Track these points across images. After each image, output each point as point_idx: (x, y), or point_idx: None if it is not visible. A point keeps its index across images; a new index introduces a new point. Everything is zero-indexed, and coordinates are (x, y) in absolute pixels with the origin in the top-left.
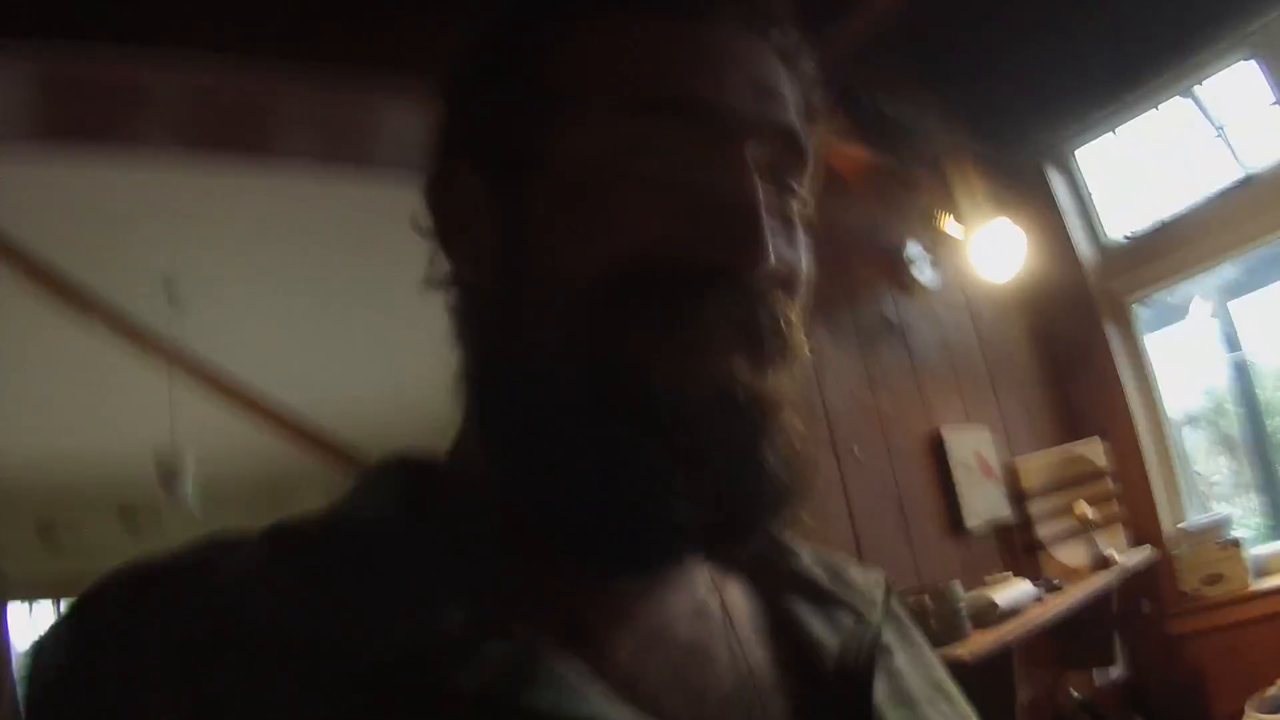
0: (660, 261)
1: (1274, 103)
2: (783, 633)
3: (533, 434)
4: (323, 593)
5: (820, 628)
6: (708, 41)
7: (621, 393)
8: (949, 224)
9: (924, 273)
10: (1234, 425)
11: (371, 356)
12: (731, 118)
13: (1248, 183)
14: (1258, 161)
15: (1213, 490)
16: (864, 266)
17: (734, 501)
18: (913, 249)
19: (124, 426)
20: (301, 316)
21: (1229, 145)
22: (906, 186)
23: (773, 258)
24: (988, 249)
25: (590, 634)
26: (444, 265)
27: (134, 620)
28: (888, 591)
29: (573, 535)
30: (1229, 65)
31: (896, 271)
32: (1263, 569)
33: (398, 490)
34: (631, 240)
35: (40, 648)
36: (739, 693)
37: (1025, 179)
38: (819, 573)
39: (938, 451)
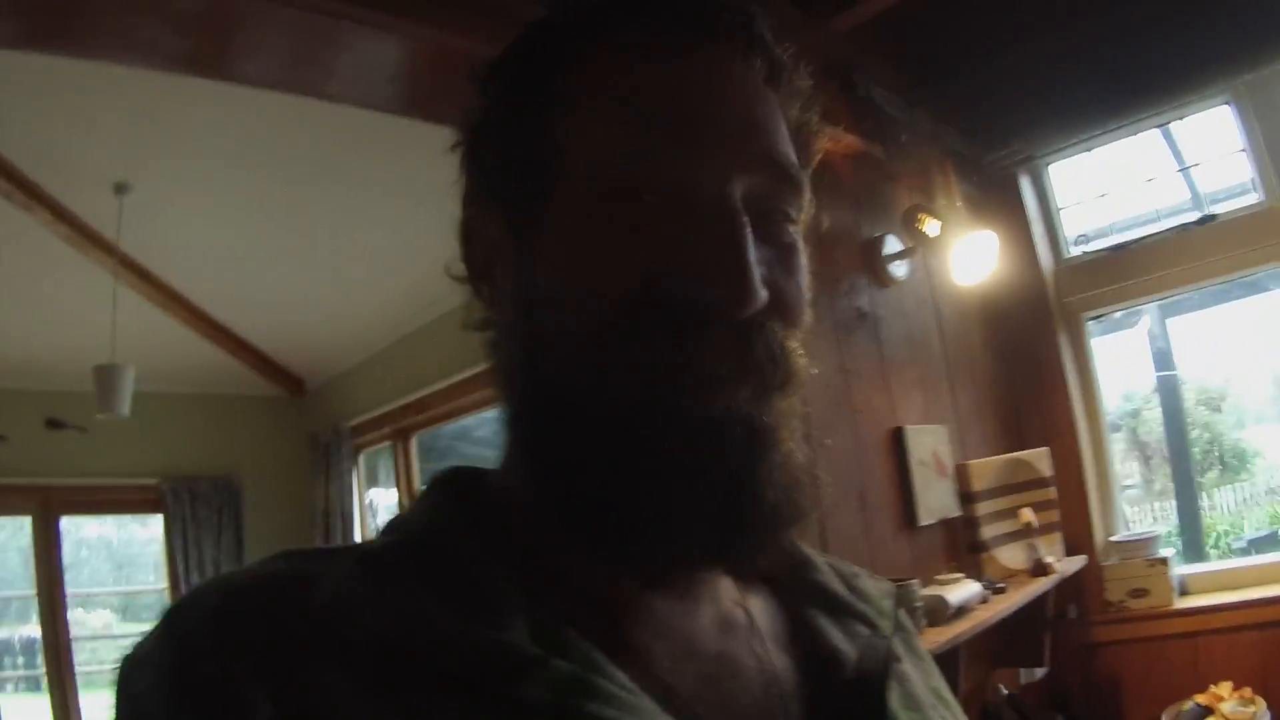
0: (654, 299)
1: (1241, 149)
2: (803, 641)
3: (553, 457)
4: (403, 606)
5: (838, 637)
6: (689, 84)
7: (624, 420)
8: (926, 220)
9: (899, 266)
10: (1150, 432)
11: (312, 278)
12: (717, 162)
13: (1208, 221)
14: (1220, 202)
15: (1124, 494)
16: (843, 255)
17: (732, 521)
18: (891, 242)
19: (61, 337)
20: (246, 232)
21: (1191, 183)
22: (890, 179)
23: (761, 296)
24: (961, 251)
25: (631, 646)
26: (478, 307)
27: (231, 631)
28: (897, 602)
29: (595, 547)
30: (1207, 107)
31: (874, 263)
32: (1185, 588)
33: (457, 508)
34: (625, 280)
35: (134, 660)
36: (765, 699)
37: (998, 185)
38: (836, 584)
39: (898, 447)
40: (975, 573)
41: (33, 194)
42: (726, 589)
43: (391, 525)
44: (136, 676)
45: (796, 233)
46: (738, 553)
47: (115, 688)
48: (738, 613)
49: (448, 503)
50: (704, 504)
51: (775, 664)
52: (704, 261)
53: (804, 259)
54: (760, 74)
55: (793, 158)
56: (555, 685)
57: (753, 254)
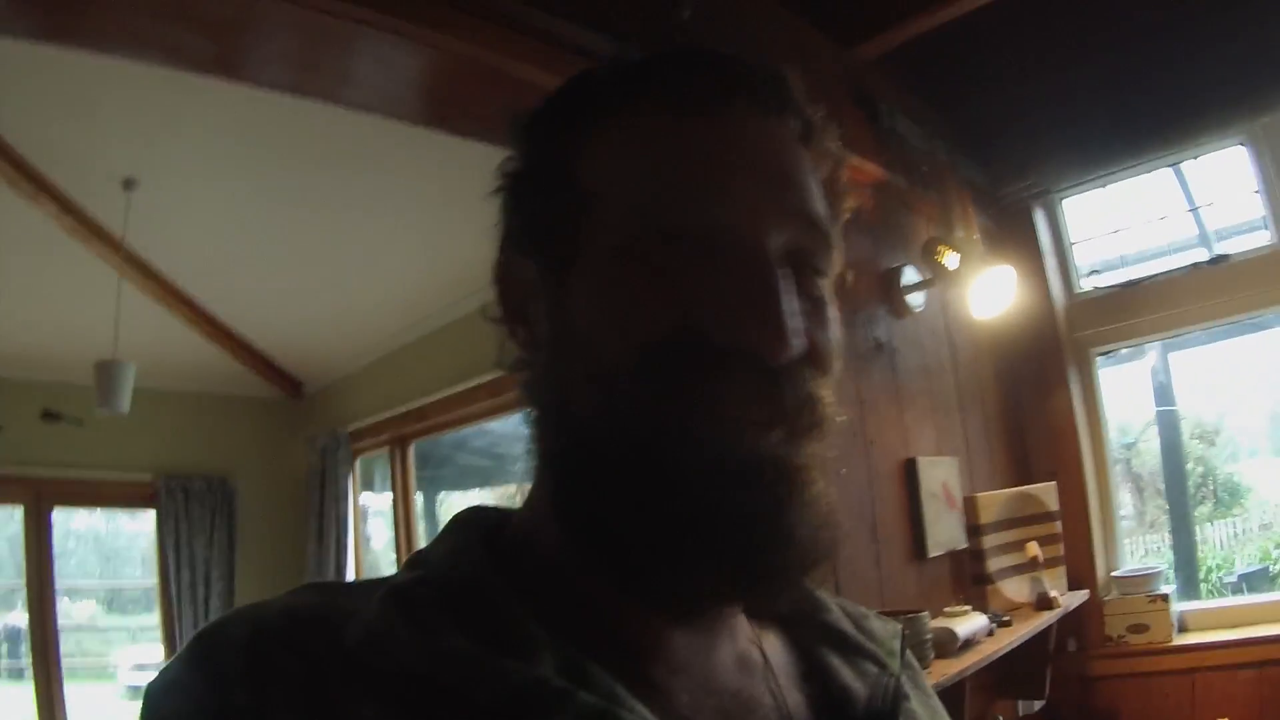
0: (690, 341)
1: (1255, 190)
2: (815, 680)
3: (586, 494)
4: (433, 641)
5: (848, 675)
6: (724, 137)
7: (659, 459)
8: (945, 252)
9: (916, 297)
10: (1144, 464)
11: (316, 282)
12: (752, 212)
13: (1220, 261)
14: (1230, 239)
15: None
16: (862, 285)
17: (764, 558)
18: (909, 272)
19: (62, 329)
20: (252, 233)
21: (1201, 223)
22: (910, 209)
23: (794, 345)
24: (980, 285)
25: (652, 682)
26: (512, 349)
27: (265, 662)
28: (904, 641)
29: (626, 583)
30: (1221, 147)
31: (891, 292)
32: (1184, 624)
33: (481, 547)
34: (661, 323)
35: (163, 685)
36: None
37: (1013, 217)
38: (846, 624)
39: (910, 478)
40: (981, 605)
41: (40, 186)
42: (742, 628)
43: (415, 561)
44: (165, 702)
45: (826, 287)
46: (768, 588)
47: (141, 713)
48: (754, 651)
49: (472, 542)
50: (736, 541)
51: (789, 702)
52: (740, 307)
53: (834, 312)
54: (794, 133)
55: (824, 214)
56: (583, 718)
57: (788, 303)
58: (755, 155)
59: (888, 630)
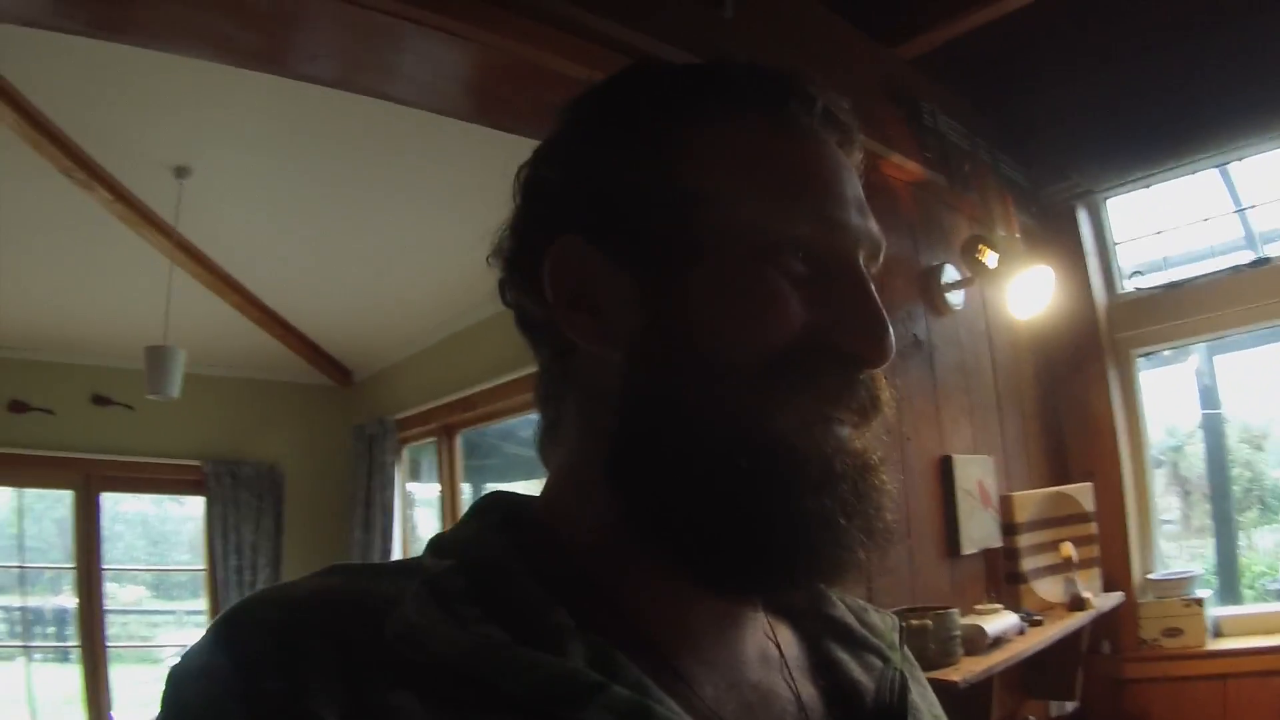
0: (817, 348)
1: None
2: (824, 672)
3: (691, 486)
4: (469, 632)
5: (856, 669)
6: (831, 160)
7: (772, 457)
8: (985, 251)
9: (955, 295)
10: (1191, 468)
11: (365, 270)
12: (852, 232)
13: (1262, 264)
14: (1275, 243)
15: (1162, 530)
16: (902, 282)
17: (848, 549)
18: (949, 271)
19: (113, 314)
20: (302, 221)
21: (1247, 225)
22: (950, 207)
23: (893, 353)
24: (1019, 285)
25: (679, 674)
26: (555, 335)
27: (297, 647)
28: (902, 635)
29: (709, 566)
30: (1267, 149)
31: (930, 290)
32: (1220, 629)
33: (505, 534)
34: (784, 334)
35: (187, 670)
36: None
37: (1055, 217)
38: (850, 618)
39: (945, 476)
40: (1013, 604)
41: (93, 173)
42: (760, 620)
43: (440, 547)
44: (190, 687)
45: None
46: (843, 576)
47: (164, 697)
48: (770, 644)
49: (495, 529)
50: (840, 532)
51: (804, 695)
52: (860, 318)
53: None
54: (858, 164)
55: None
56: (616, 710)
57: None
58: (847, 182)
59: (886, 623)
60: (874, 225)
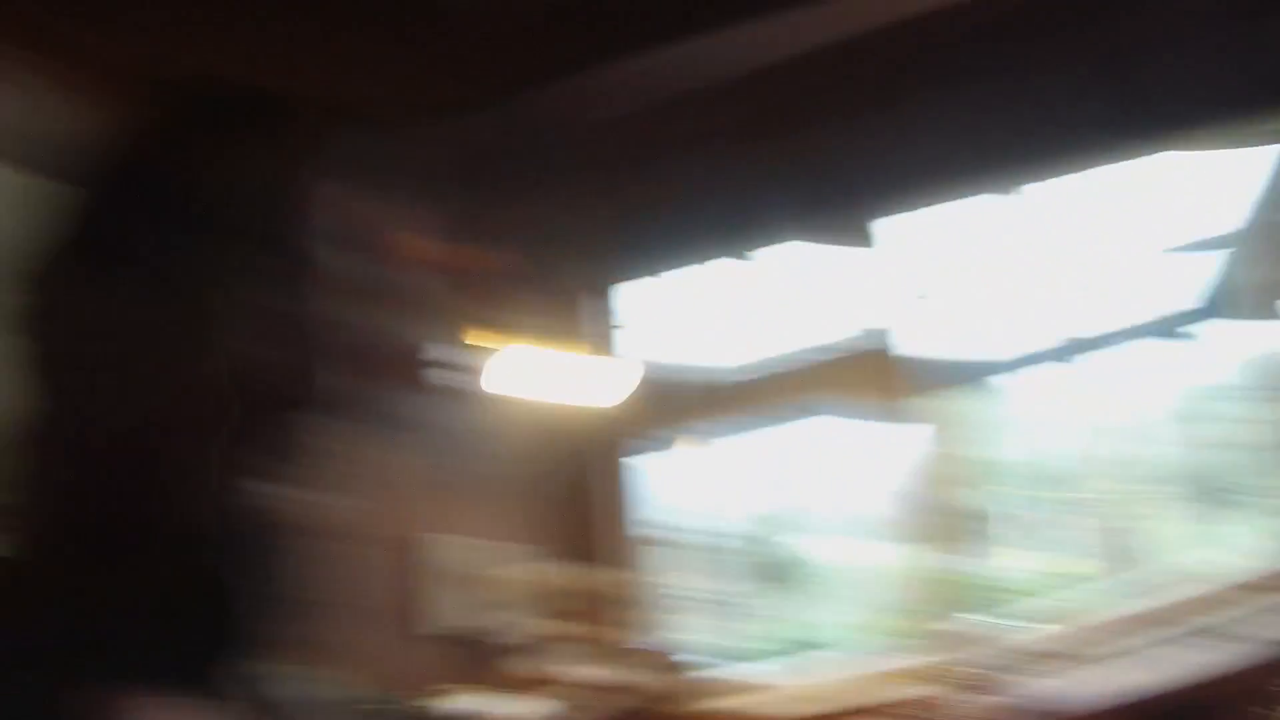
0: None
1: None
2: None
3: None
4: None
5: None
6: None
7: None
8: (489, 333)
9: (453, 377)
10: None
11: None
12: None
13: (770, 364)
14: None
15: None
16: (391, 359)
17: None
18: (444, 350)
19: None
20: None
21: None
22: (456, 288)
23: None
24: (523, 366)
25: None
26: None
27: None
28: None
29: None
30: (783, 243)
31: (418, 370)
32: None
33: None
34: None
35: None
36: None
37: (565, 304)
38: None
39: (421, 556)
40: (495, 682)
41: None
42: None
43: None
44: None
45: None
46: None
47: None
48: None
49: None
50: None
51: None
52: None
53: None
54: None
55: None
56: None
57: None
58: None
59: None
60: None
